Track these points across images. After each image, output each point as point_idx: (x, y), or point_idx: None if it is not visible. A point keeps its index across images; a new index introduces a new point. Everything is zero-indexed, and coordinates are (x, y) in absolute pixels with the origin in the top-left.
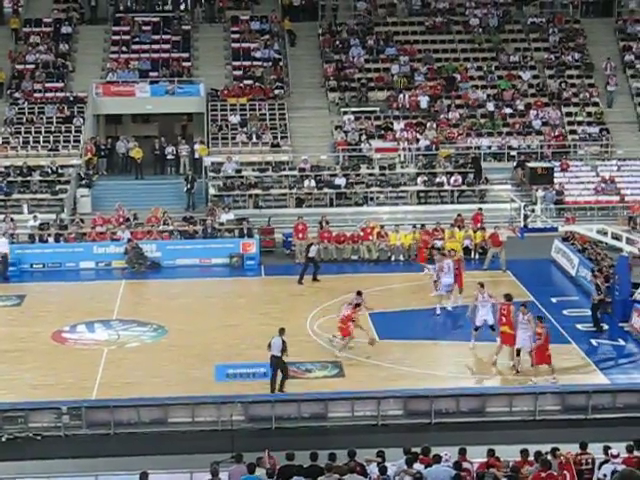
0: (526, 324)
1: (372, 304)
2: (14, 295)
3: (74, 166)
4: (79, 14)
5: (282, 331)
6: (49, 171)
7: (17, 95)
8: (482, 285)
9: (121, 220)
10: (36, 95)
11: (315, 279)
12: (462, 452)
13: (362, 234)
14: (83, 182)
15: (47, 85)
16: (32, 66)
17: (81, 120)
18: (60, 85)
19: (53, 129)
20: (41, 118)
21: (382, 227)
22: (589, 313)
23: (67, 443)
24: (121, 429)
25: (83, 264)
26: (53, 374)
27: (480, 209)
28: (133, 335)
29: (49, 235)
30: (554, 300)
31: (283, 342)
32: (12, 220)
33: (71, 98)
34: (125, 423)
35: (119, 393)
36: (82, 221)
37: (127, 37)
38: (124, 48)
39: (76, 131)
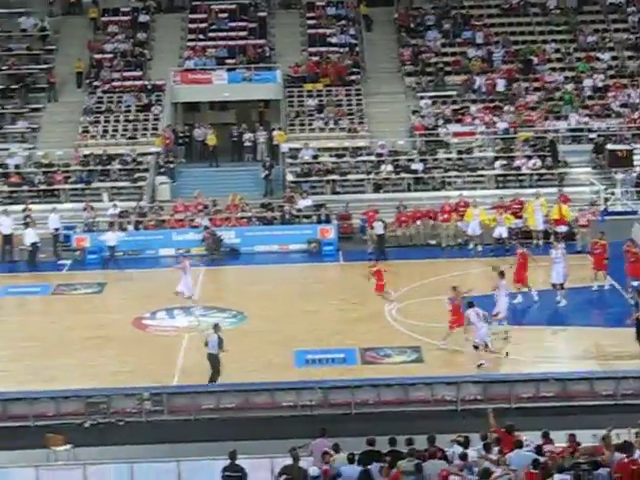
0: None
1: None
2: (95, 283)
3: (153, 154)
4: (156, 3)
5: (217, 327)
6: (128, 159)
7: (96, 84)
8: (502, 273)
9: (200, 207)
10: (115, 84)
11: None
12: (545, 435)
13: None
14: (162, 170)
15: (125, 74)
16: (110, 55)
17: (159, 108)
18: (138, 74)
19: (132, 117)
20: (120, 107)
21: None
22: None
23: (149, 429)
24: (202, 415)
25: (162, 251)
26: (134, 360)
27: (561, 190)
28: (213, 321)
29: (129, 223)
30: (635, 283)
31: (219, 338)
32: (92, 208)
33: (149, 86)
34: (206, 409)
35: (200, 379)
36: (161, 208)
37: (204, 25)
38: (201, 36)
39: (154, 119)
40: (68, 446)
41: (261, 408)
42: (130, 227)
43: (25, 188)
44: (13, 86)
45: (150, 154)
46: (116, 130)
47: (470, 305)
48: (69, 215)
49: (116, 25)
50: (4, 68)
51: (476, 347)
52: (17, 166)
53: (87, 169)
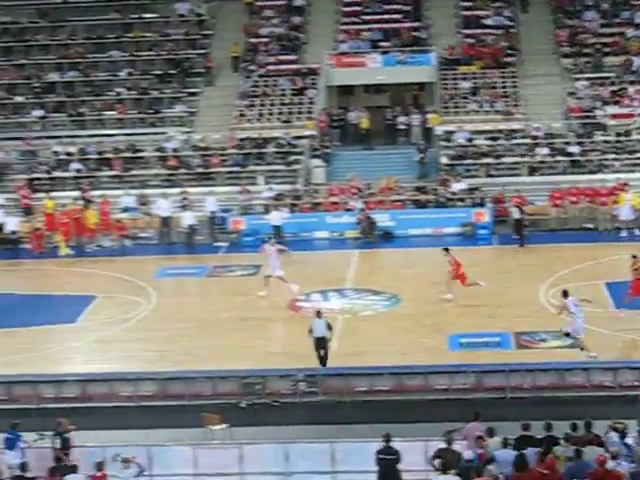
0: None
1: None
2: (250, 265)
3: (307, 137)
4: None
5: (320, 313)
6: (283, 142)
7: (252, 68)
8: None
9: (354, 190)
10: (270, 68)
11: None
12: None
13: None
14: (316, 153)
15: (280, 58)
16: (266, 39)
17: (314, 92)
18: (293, 57)
19: (287, 101)
20: (275, 90)
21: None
22: None
23: (303, 410)
24: (356, 397)
25: (317, 234)
26: (289, 342)
27: None
28: (367, 304)
29: (284, 206)
30: None
31: (327, 322)
32: (248, 191)
33: (304, 70)
34: (360, 391)
35: (354, 361)
36: (316, 191)
37: (358, 8)
38: (355, 19)
39: (309, 102)
40: (224, 425)
41: (415, 391)
42: (285, 210)
43: (182, 171)
44: (171, 71)
45: (305, 137)
46: (271, 113)
47: (566, 294)
48: (225, 198)
49: (271, 9)
50: (162, 53)
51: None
52: (175, 150)
53: (243, 152)
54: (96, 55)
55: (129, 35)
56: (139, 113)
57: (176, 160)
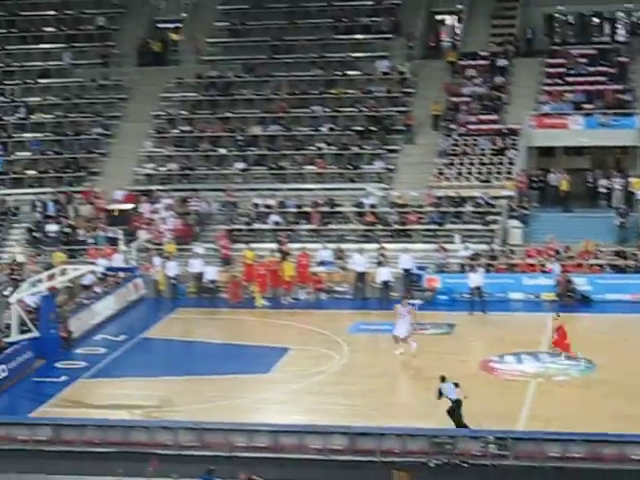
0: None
1: None
2: (444, 323)
3: (506, 197)
4: (515, 47)
5: (444, 378)
6: (481, 202)
7: (452, 127)
8: None
9: (552, 252)
10: (470, 127)
11: None
12: None
13: None
14: (514, 213)
15: (481, 117)
16: (468, 98)
17: (514, 152)
18: (494, 117)
19: (486, 160)
20: (474, 150)
21: None
22: None
23: (493, 473)
24: (547, 462)
25: (513, 295)
26: (480, 403)
27: None
28: (561, 368)
29: (479, 265)
30: None
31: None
32: (444, 250)
33: (505, 130)
34: (552, 457)
35: (546, 426)
36: (512, 252)
37: (562, 69)
38: (558, 80)
39: (509, 163)
40: None
41: (609, 460)
42: (481, 270)
43: (379, 227)
44: (372, 127)
45: (503, 197)
46: (470, 173)
47: None
48: (421, 255)
49: (474, 69)
50: (364, 110)
51: None
52: (372, 205)
53: (440, 210)
54: (299, 110)
55: (332, 91)
56: (339, 168)
57: (373, 216)
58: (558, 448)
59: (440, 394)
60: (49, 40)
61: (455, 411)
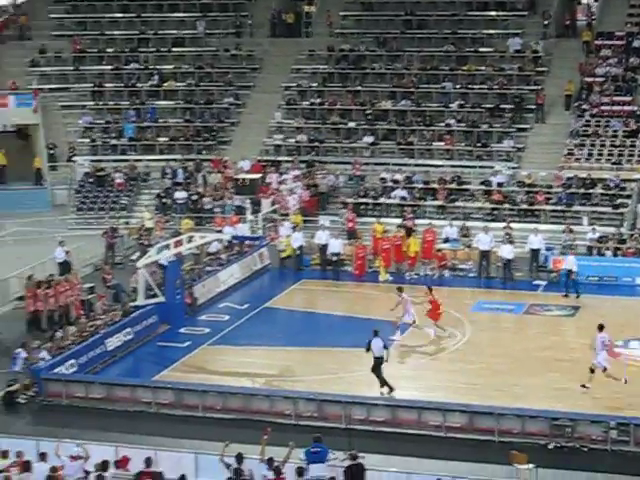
0: None
1: None
2: (569, 305)
3: (637, 180)
4: None
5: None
6: (611, 184)
7: (584, 107)
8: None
9: None
10: (603, 108)
11: None
12: None
13: None
14: None
15: (615, 98)
16: (601, 79)
17: None
18: (628, 99)
19: (618, 143)
20: (606, 131)
21: None
22: None
23: (613, 458)
24: None
25: (639, 280)
26: (603, 387)
27: None
28: None
29: (607, 249)
30: None
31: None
32: (571, 231)
33: (638, 112)
34: None
35: None
36: None
37: None
38: None
39: None
40: (531, 465)
41: None
42: (608, 253)
43: (506, 206)
44: (502, 105)
45: (634, 181)
46: (601, 154)
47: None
48: (547, 236)
49: (609, 49)
50: (495, 87)
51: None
52: (500, 184)
53: (569, 191)
54: (429, 86)
55: (463, 68)
56: (467, 145)
57: (501, 195)
58: None
59: (368, 349)
60: (184, 9)
61: (376, 368)
